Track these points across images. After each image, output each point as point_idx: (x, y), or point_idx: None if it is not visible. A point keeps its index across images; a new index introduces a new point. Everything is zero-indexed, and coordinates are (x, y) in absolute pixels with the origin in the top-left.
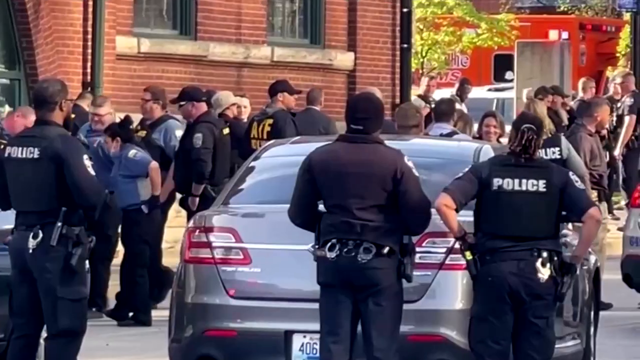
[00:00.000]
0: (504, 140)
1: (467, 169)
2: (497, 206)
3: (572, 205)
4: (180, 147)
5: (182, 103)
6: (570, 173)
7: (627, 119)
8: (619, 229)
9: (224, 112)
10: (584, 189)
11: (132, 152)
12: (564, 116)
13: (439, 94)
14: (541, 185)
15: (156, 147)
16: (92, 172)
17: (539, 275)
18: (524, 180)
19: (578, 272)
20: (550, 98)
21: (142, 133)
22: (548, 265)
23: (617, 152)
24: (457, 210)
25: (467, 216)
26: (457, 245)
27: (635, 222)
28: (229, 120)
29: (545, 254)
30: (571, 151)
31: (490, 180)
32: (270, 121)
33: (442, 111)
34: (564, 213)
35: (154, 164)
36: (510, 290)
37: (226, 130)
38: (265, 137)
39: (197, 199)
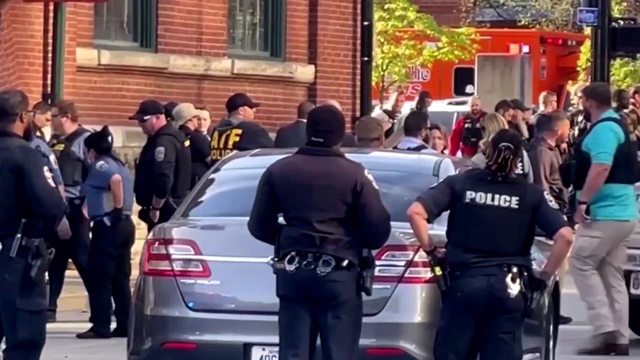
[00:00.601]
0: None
1: (442, 180)
2: (469, 219)
3: (544, 224)
4: (141, 160)
5: (146, 117)
6: (545, 192)
7: None
8: None
9: (184, 124)
10: (557, 208)
11: (99, 164)
12: (525, 130)
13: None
14: (514, 201)
15: (76, 159)
16: (52, 184)
17: (509, 290)
18: (496, 196)
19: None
20: (511, 112)
21: (60, 147)
22: (518, 280)
23: None
24: (429, 221)
25: (438, 230)
26: (417, 259)
27: None
28: (189, 132)
29: (515, 270)
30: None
31: (463, 192)
32: (239, 131)
33: (410, 125)
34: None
35: (116, 177)
36: (479, 306)
37: (187, 142)
38: (231, 147)
39: (158, 212)
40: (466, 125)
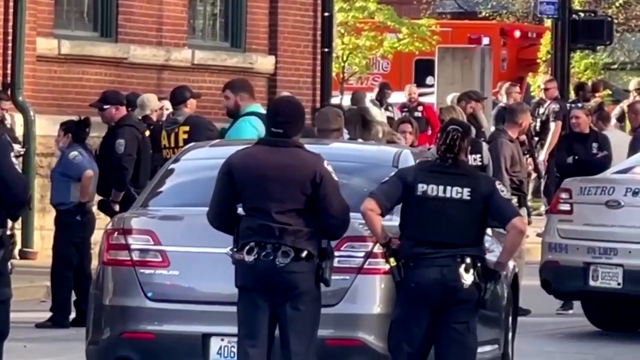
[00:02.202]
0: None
1: (393, 173)
2: (421, 211)
3: (496, 215)
4: (101, 151)
5: (105, 107)
6: (497, 182)
7: (553, 125)
8: (538, 235)
9: (147, 115)
10: (509, 198)
11: (73, 154)
12: (484, 122)
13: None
14: (465, 193)
15: None
16: (19, 169)
17: (462, 281)
18: (448, 187)
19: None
20: (473, 104)
21: None
22: (471, 271)
23: (542, 157)
24: (382, 215)
25: (392, 221)
26: (376, 250)
27: (554, 228)
28: (152, 123)
29: (468, 260)
30: (489, 158)
31: (415, 185)
32: (186, 128)
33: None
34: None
35: (89, 172)
36: (433, 296)
37: (147, 133)
38: (182, 145)
39: (117, 205)
40: (403, 114)
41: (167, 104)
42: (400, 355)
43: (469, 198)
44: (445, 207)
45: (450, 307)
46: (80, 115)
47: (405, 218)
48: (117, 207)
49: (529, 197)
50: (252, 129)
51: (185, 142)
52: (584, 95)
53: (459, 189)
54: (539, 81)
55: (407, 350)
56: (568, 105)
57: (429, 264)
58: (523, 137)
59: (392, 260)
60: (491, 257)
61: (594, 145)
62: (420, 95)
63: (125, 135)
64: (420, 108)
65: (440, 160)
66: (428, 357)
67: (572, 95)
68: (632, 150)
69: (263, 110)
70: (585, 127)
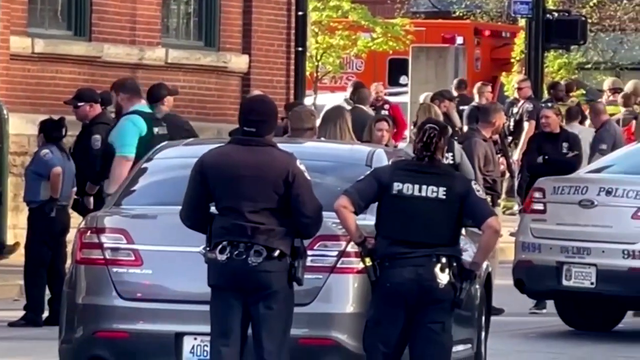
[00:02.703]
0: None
1: (368, 172)
2: (396, 211)
3: (472, 214)
4: (75, 148)
5: (80, 104)
6: (473, 182)
7: (526, 124)
8: (511, 234)
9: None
10: (484, 198)
11: (44, 152)
12: (457, 121)
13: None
14: (441, 192)
15: None
16: None
17: (438, 280)
18: (424, 187)
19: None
20: (446, 103)
21: None
22: (447, 270)
23: (516, 157)
24: (356, 213)
25: (366, 220)
26: (349, 249)
27: (528, 227)
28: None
29: (444, 260)
30: (463, 156)
31: (390, 184)
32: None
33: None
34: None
35: (57, 170)
36: (409, 296)
37: None
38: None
39: (92, 198)
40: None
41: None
42: (375, 355)
43: (444, 197)
44: (420, 207)
45: (426, 307)
46: (53, 115)
47: (380, 217)
48: (91, 205)
49: (503, 196)
50: (132, 126)
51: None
52: (555, 94)
53: (435, 188)
54: (512, 81)
55: (382, 349)
56: (542, 104)
57: (405, 264)
58: (496, 137)
59: (367, 259)
60: (465, 257)
61: (564, 145)
62: (394, 94)
63: (101, 131)
64: (386, 107)
65: (417, 158)
66: (403, 356)
67: (546, 95)
68: (592, 150)
69: (147, 109)
70: (555, 127)
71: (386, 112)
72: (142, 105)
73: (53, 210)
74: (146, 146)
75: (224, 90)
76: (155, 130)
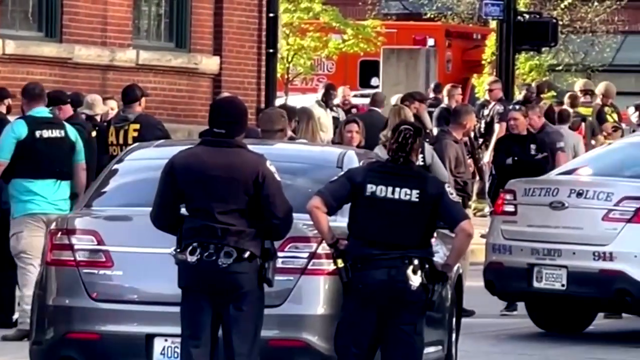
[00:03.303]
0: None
1: (342, 173)
2: (369, 212)
3: (445, 217)
4: None
5: (49, 107)
6: (446, 185)
7: (497, 126)
8: (482, 236)
9: (92, 115)
10: (458, 201)
11: None
12: (428, 122)
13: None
14: (414, 194)
15: None
16: None
17: (410, 282)
18: (397, 189)
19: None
20: (416, 104)
21: None
22: (419, 272)
23: (487, 159)
24: (329, 214)
25: (337, 222)
26: (320, 251)
27: (498, 229)
28: (97, 124)
29: (416, 262)
30: (434, 158)
31: (364, 185)
32: (136, 126)
33: None
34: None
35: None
36: (381, 298)
37: (94, 133)
38: (131, 142)
39: None
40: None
41: (111, 103)
42: (347, 357)
43: (417, 200)
44: (393, 208)
45: (398, 309)
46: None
47: (353, 218)
48: None
49: (474, 198)
50: (10, 131)
51: (135, 140)
52: (526, 96)
53: (408, 191)
54: (483, 82)
55: (354, 351)
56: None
57: (377, 265)
58: (466, 139)
59: (339, 261)
60: (436, 259)
61: (532, 146)
62: (365, 96)
63: None
64: (354, 111)
65: (392, 159)
66: (374, 358)
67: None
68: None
69: (44, 113)
70: (523, 129)
71: None
72: (39, 109)
73: None
74: (28, 149)
75: (194, 91)
76: (38, 133)
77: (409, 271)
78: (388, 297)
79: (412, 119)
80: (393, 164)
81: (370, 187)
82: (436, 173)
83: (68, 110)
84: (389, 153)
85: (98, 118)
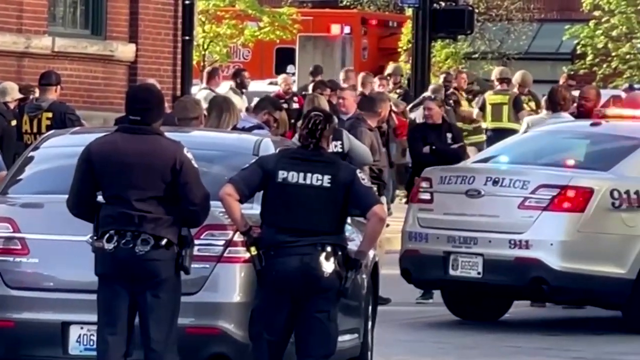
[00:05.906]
0: None
1: (253, 160)
2: (281, 199)
3: (357, 202)
4: None
5: None
6: (358, 170)
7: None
8: None
9: (7, 102)
10: (370, 186)
11: None
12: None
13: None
14: (326, 180)
15: None
16: None
17: (323, 269)
18: (308, 174)
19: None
20: (328, 92)
21: None
22: (332, 259)
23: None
24: (241, 201)
25: (252, 209)
26: (236, 238)
27: (415, 217)
28: (12, 111)
29: (329, 249)
30: (352, 141)
31: (275, 172)
32: (49, 114)
33: (256, 104)
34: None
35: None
36: (294, 285)
37: (14, 122)
38: (44, 131)
39: None
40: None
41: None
42: (261, 343)
43: (329, 185)
44: (305, 194)
45: (311, 296)
46: None
47: (266, 205)
48: None
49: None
50: None
51: (48, 128)
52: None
53: (320, 176)
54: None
55: (267, 337)
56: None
57: (290, 253)
58: (384, 127)
59: (253, 249)
60: (352, 246)
61: (448, 135)
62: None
63: None
64: (295, 99)
65: (302, 145)
66: (289, 344)
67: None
68: None
69: None
70: (438, 118)
71: (296, 105)
72: None
73: None
74: None
75: (110, 79)
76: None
77: (322, 258)
78: (301, 284)
79: (326, 107)
80: (304, 150)
81: (282, 174)
82: (358, 156)
83: None
84: (299, 139)
85: (11, 105)
